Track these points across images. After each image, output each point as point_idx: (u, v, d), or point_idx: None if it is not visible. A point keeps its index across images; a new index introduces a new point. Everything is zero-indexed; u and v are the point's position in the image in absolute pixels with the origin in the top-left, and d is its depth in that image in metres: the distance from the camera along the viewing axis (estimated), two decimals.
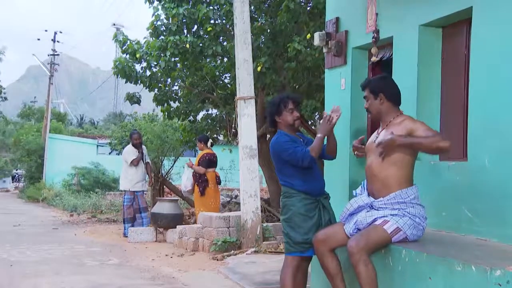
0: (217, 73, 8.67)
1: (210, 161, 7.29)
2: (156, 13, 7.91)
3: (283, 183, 3.30)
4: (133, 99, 8.88)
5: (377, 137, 3.01)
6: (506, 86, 2.99)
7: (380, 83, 3.04)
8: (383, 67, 4.23)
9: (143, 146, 8.21)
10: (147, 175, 8.25)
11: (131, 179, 7.75)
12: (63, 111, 36.74)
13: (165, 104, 8.97)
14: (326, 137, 3.26)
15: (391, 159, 2.89)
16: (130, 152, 7.85)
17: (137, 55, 8.08)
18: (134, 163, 7.72)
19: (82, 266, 5.56)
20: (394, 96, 3.00)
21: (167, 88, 8.86)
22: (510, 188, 2.93)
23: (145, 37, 8.39)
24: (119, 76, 8.31)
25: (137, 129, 9.18)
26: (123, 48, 8.29)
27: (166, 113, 9.14)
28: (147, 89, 8.65)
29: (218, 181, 7.40)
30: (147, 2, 8.07)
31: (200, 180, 7.20)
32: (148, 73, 8.43)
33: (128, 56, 8.27)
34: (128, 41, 8.27)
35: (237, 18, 6.34)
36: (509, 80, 2.98)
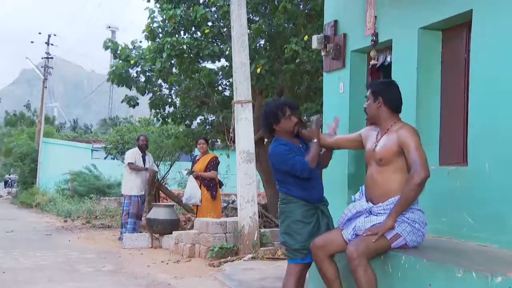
0: (217, 78, 8.60)
1: (217, 165, 7.26)
2: (152, 15, 7.86)
3: (281, 189, 3.25)
4: (131, 102, 8.81)
5: (376, 145, 2.97)
6: (507, 89, 2.96)
7: (382, 86, 3.05)
8: (383, 70, 4.21)
9: (149, 154, 8.15)
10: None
11: (130, 183, 7.65)
12: (57, 115, 36.54)
13: (160, 109, 8.90)
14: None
15: (392, 167, 2.87)
16: (131, 154, 7.81)
17: (131, 61, 8.01)
18: (131, 166, 7.64)
19: (76, 273, 5.48)
20: (392, 103, 2.97)
21: (162, 93, 8.79)
22: (511, 193, 2.89)
23: (140, 40, 8.33)
24: (115, 82, 8.23)
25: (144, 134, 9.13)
26: (117, 54, 8.22)
27: (161, 118, 9.07)
28: (142, 95, 8.59)
29: (220, 185, 7.36)
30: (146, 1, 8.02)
31: (211, 184, 7.11)
32: (143, 78, 8.36)
33: (122, 61, 8.20)
34: (120, 47, 8.21)
35: (234, 21, 6.30)
36: (509, 84, 2.95)
